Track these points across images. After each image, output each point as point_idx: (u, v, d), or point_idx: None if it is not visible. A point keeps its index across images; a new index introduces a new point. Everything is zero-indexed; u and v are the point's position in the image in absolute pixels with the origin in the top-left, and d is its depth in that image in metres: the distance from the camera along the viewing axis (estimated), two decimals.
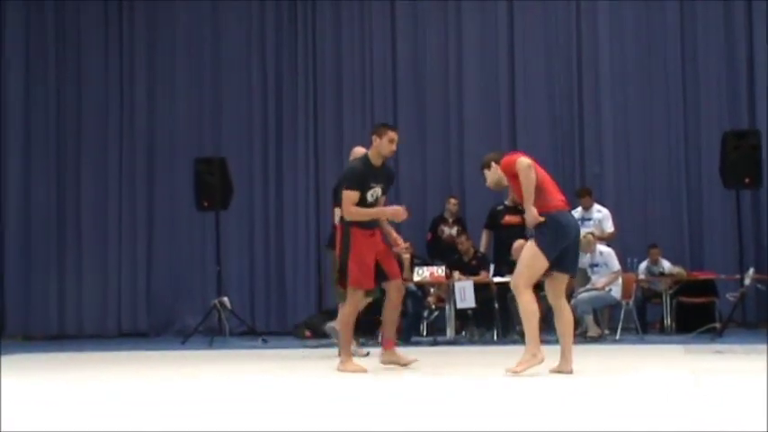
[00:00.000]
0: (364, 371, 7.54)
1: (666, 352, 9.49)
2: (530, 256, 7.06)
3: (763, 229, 13.77)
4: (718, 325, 11.95)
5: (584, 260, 12.07)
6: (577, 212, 12.52)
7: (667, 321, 12.62)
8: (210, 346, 11.93)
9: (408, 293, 12.46)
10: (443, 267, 12.12)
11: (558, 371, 7.07)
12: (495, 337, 12.05)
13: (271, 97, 15.19)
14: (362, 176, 7.69)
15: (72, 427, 4.74)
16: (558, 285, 7.26)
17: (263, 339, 12.62)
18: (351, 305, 7.79)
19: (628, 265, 12.57)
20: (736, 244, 12.63)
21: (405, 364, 7.77)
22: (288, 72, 15.21)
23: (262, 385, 6.90)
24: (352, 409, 5.36)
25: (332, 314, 12.83)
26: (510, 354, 7.77)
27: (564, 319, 7.23)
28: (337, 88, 15.14)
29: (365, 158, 7.82)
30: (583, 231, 12.33)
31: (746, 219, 13.33)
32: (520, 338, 11.73)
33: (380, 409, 5.39)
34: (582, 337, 11.42)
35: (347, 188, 7.63)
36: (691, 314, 12.55)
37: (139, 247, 15.20)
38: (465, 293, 11.55)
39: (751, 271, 12.14)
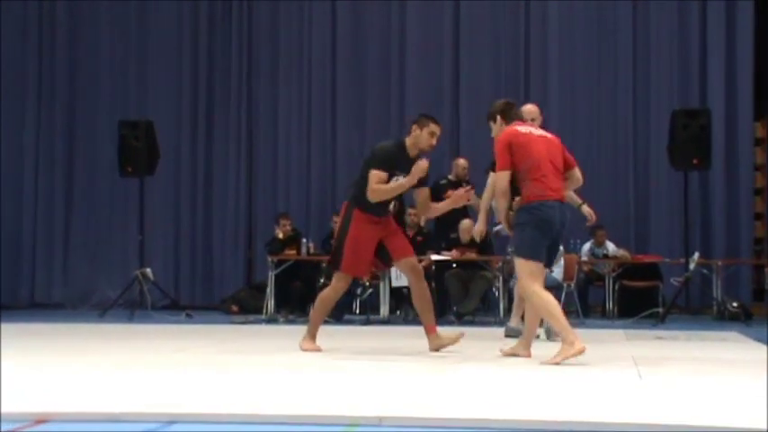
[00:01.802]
0: (319, 350, 7.20)
1: (607, 337, 9.20)
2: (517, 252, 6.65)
3: (711, 212, 13.56)
4: (660, 310, 11.76)
5: None
6: None
7: (609, 305, 12.37)
8: (131, 320, 11.49)
9: None
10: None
11: (513, 353, 6.79)
12: None
13: (202, 59, 14.72)
14: (393, 160, 7.07)
15: None
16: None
17: (187, 314, 12.17)
18: (334, 289, 7.28)
19: (570, 247, 12.23)
20: (682, 227, 12.37)
21: (455, 342, 7.19)
22: (221, 33, 14.76)
23: (179, 362, 6.34)
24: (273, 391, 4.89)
25: (260, 289, 12.39)
26: (445, 334, 7.31)
27: (531, 309, 6.85)
28: (273, 53, 14.68)
29: (401, 144, 7.19)
30: None
31: (694, 201, 13.13)
32: (455, 319, 11.44)
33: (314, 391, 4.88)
34: (521, 319, 11.04)
35: (376, 168, 7.03)
36: (633, 298, 12.37)
37: (57, 213, 14.68)
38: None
39: (696, 255, 11.95)
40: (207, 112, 14.62)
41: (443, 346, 7.14)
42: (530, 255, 6.49)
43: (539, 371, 5.97)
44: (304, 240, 12.27)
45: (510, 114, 6.86)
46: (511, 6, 14.20)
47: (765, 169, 13.84)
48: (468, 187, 7.87)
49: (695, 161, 11.73)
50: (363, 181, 7.11)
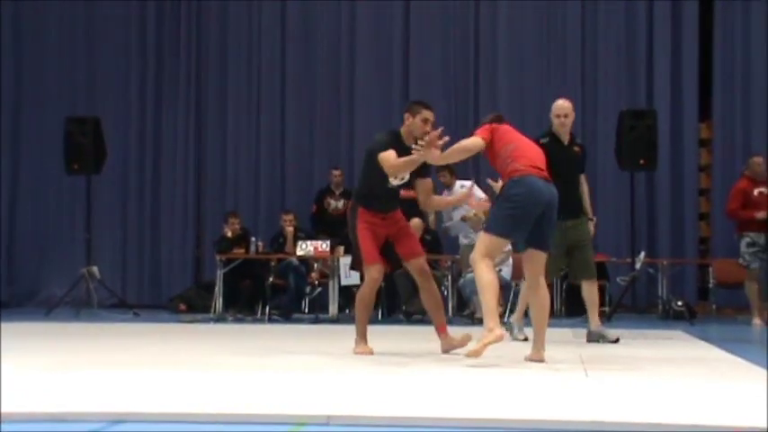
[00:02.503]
0: (371, 353, 6.91)
1: (555, 336, 9.18)
2: (486, 227, 6.48)
3: (657, 212, 13.69)
4: (607, 309, 11.78)
5: (475, 239, 11.75)
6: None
7: (557, 304, 12.40)
8: (77, 318, 11.41)
9: (290, 268, 11.99)
10: (328, 242, 11.61)
11: (531, 359, 6.52)
12: (380, 317, 11.61)
13: (151, 55, 14.60)
14: (392, 148, 6.87)
15: None
16: (530, 264, 6.45)
17: (134, 312, 12.08)
18: (367, 284, 7.01)
19: (518, 246, 12.23)
20: (628, 227, 12.48)
21: (464, 344, 6.92)
22: (169, 31, 14.63)
23: (124, 361, 6.27)
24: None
25: (209, 287, 12.33)
26: (393, 333, 7.31)
27: (536, 303, 6.50)
28: (221, 47, 14.61)
29: (396, 134, 7.00)
30: (458, 211, 12.07)
31: (640, 201, 13.24)
32: (404, 318, 11.45)
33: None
34: (469, 318, 11.12)
35: (381, 150, 6.81)
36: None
37: (2, 209, 14.46)
38: (350, 270, 11.05)
39: (642, 255, 12.05)
40: (155, 110, 14.49)
41: (454, 347, 6.96)
42: (495, 230, 6.27)
43: (484, 370, 5.95)
44: (253, 239, 12.22)
45: (495, 119, 6.84)
46: (461, 6, 14.22)
47: (710, 170, 14.00)
48: (470, 183, 7.87)
49: (642, 161, 11.73)
50: (365, 179, 7.02)
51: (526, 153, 6.47)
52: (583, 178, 8.48)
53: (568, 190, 7.78)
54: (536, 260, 6.43)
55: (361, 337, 7.05)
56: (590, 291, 8.29)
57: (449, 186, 11.94)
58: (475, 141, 6.49)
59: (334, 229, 12.22)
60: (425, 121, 6.88)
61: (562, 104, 8.25)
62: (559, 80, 14.00)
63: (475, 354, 6.05)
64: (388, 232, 7.08)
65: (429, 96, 13.80)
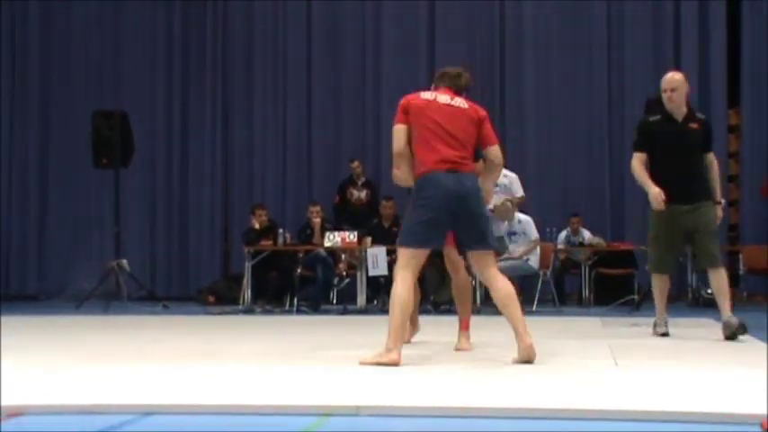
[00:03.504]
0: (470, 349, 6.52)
1: (584, 324, 9.19)
2: (399, 240, 5.96)
3: None
4: (636, 297, 11.75)
5: (503, 228, 11.78)
6: None
7: (585, 293, 12.40)
8: (107, 311, 11.37)
9: (318, 259, 12.00)
10: (355, 233, 11.60)
11: (458, 348, 6.38)
12: None
13: (177, 49, 14.68)
14: None
15: None
16: (478, 265, 5.99)
17: (163, 305, 12.10)
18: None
19: (546, 235, 12.26)
20: None
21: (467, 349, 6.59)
22: (195, 22, 14.69)
23: (154, 353, 6.29)
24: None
25: (237, 279, 12.36)
26: (422, 324, 7.29)
27: (496, 295, 5.91)
28: (248, 41, 14.67)
29: None
30: (495, 198, 12.05)
31: None
32: (432, 308, 11.45)
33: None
34: (497, 308, 11.05)
35: None
36: (609, 286, 12.39)
37: (32, 205, 14.59)
38: (377, 260, 11.03)
39: None
40: (182, 103, 14.56)
41: (463, 349, 6.55)
42: (408, 242, 5.81)
43: (511, 360, 5.92)
44: (280, 231, 12.22)
45: (438, 80, 6.29)
46: (485, 6, 14.19)
47: (738, 156, 13.89)
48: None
49: None
50: None
51: (435, 144, 5.84)
52: (710, 158, 7.52)
53: (683, 171, 7.32)
54: (483, 260, 5.92)
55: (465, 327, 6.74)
56: (716, 280, 7.43)
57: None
58: (395, 131, 6.00)
59: (356, 219, 12.26)
60: None
61: (667, 78, 7.51)
62: (586, 67, 13.96)
63: (362, 362, 5.59)
64: None
65: None
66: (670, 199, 7.08)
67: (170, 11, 14.66)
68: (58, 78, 14.66)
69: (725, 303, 7.30)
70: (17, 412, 4.01)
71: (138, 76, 14.59)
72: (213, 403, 4.18)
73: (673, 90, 7.40)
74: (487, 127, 6.05)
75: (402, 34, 14.34)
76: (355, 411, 3.98)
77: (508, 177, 12.25)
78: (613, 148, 13.87)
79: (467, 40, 14.22)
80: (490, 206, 6.51)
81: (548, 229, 12.45)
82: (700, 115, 7.72)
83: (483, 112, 6.05)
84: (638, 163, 7.48)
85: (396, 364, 5.47)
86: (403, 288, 5.67)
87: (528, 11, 14.14)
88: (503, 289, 5.87)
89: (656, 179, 7.32)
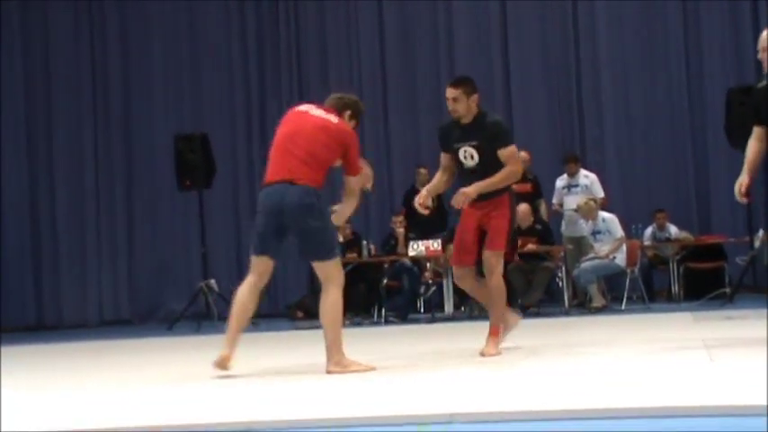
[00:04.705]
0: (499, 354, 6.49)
1: (674, 321, 9.09)
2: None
3: None
4: (728, 290, 11.61)
5: (587, 228, 11.75)
6: (563, 179, 12.19)
7: (675, 289, 12.26)
8: (198, 331, 11.52)
9: (404, 269, 12.01)
10: (439, 241, 11.57)
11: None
12: None
13: (253, 71, 14.83)
14: (442, 136, 7.00)
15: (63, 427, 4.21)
16: (318, 272, 6.15)
17: (253, 322, 12.05)
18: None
19: (632, 232, 12.14)
20: (744, 205, 12.10)
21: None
22: (270, 44, 14.83)
23: (252, 370, 6.37)
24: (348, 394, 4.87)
25: None
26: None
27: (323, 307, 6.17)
28: (322, 61, 14.75)
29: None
30: (572, 198, 12.01)
31: (754, 178, 12.84)
32: (521, 312, 11.38)
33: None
34: (585, 307, 11.03)
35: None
36: (699, 280, 12.23)
37: (119, 230, 14.85)
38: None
39: (761, 233, 11.78)
40: (260, 123, 14.67)
41: (483, 354, 6.46)
42: (252, 251, 6.16)
43: (602, 359, 5.90)
44: (365, 242, 12.27)
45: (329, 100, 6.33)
46: (557, 5, 14.13)
47: None
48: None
49: None
50: None
51: (276, 156, 5.99)
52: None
53: None
54: (318, 269, 6.09)
55: (500, 327, 6.73)
56: None
57: (572, 174, 12.02)
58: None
59: (425, 228, 12.09)
60: (447, 99, 6.79)
61: (763, 36, 6.36)
62: (663, 61, 13.83)
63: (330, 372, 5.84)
64: (479, 222, 6.85)
65: (530, 98, 13.87)
66: None
67: (244, 27, 14.79)
68: (138, 105, 14.93)
69: None
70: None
71: (216, 96, 14.79)
72: (307, 418, 4.17)
73: (764, 50, 6.29)
74: (352, 154, 6.16)
75: (475, 34, 14.30)
76: (449, 419, 3.94)
77: (589, 178, 12.23)
78: (696, 138, 13.71)
79: (540, 39, 14.16)
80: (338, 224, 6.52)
81: (633, 227, 12.32)
82: None
83: (349, 139, 6.13)
84: (750, 141, 6.60)
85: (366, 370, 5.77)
86: (241, 287, 6.18)
87: (600, 9, 14.02)
88: (333, 303, 6.07)
89: None
